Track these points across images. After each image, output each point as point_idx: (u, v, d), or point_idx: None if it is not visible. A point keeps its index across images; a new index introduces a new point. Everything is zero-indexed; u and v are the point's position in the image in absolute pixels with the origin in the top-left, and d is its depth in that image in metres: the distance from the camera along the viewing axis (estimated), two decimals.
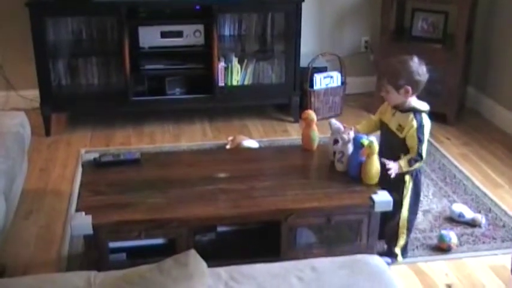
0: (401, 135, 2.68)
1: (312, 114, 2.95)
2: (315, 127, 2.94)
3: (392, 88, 2.66)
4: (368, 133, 2.79)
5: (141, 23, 4.00)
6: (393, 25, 4.47)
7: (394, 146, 2.71)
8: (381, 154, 2.64)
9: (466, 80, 4.52)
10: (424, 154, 2.66)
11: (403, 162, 2.65)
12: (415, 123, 2.64)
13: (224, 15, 4.20)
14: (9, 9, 4.16)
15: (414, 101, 2.69)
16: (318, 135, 2.96)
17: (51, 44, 4.02)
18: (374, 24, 4.56)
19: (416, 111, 2.67)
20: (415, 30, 4.37)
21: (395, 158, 2.66)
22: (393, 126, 2.71)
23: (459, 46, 4.14)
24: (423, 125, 2.65)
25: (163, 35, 4.00)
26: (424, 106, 2.71)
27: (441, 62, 4.23)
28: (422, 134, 2.65)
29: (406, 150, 2.68)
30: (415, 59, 2.67)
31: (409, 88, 2.64)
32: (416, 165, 2.68)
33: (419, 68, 2.65)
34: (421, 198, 3.08)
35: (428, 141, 3.97)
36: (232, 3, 4.08)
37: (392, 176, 2.63)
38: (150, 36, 3.99)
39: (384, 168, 2.63)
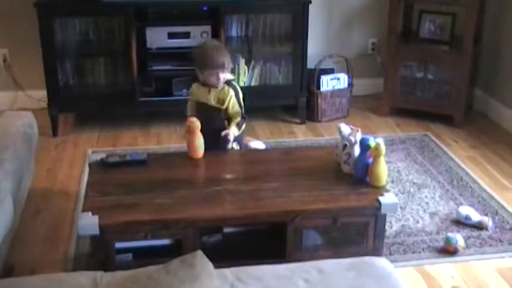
0: (223, 107, 3.03)
1: (195, 121, 2.86)
2: (199, 134, 2.87)
3: (223, 70, 2.99)
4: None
5: (148, 23, 4.01)
6: (400, 27, 4.47)
7: (216, 119, 3.03)
8: (203, 131, 2.87)
9: (474, 82, 4.50)
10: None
11: (234, 128, 3.01)
12: (232, 92, 3.03)
13: (231, 17, 4.20)
14: (17, 10, 4.18)
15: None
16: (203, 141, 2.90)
17: (59, 45, 4.04)
18: (381, 26, 4.55)
19: (227, 83, 3.05)
20: (422, 32, 4.37)
21: (219, 130, 2.97)
22: (213, 101, 3.04)
23: (467, 48, 4.13)
24: (238, 91, 3.07)
25: (171, 35, 4.01)
26: (231, 76, 3.11)
27: (449, 64, 4.23)
28: (240, 98, 3.06)
29: (229, 119, 3.04)
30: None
31: (231, 67, 3.10)
32: (244, 126, 3.07)
33: None
34: (424, 199, 3.10)
35: (435, 143, 4.00)
36: (240, 5, 4.09)
37: (231, 144, 3.00)
38: (157, 37, 4.00)
39: (224, 140, 2.97)
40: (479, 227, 3.08)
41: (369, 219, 2.59)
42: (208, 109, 3.05)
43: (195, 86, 3.12)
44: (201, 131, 2.87)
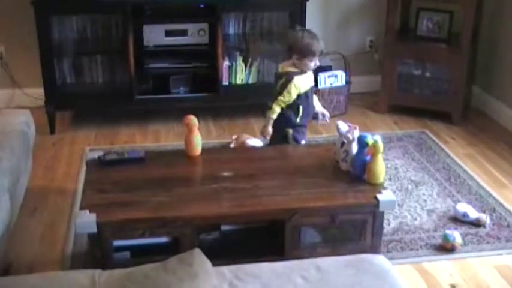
0: None
1: (193, 119, 2.87)
2: (197, 132, 2.88)
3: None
4: None
5: (146, 21, 4.00)
6: (398, 24, 4.46)
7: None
8: (306, 116, 3.25)
9: (472, 79, 4.50)
10: None
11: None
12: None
13: (229, 14, 4.20)
14: (14, 7, 4.17)
15: None
16: (201, 139, 2.90)
17: (56, 42, 4.03)
18: (379, 23, 4.55)
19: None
20: (420, 29, 4.37)
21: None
22: (312, 82, 3.27)
23: (464, 45, 4.13)
24: None
25: (168, 33, 4.00)
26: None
27: (446, 62, 4.23)
28: None
29: None
30: None
31: None
32: None
33: None
34: (422, 197, 3.11)
35: (433, 141, 4.00)
36: (237, 2, 4.08)
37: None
38: (154, 35, 4.00)
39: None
40: (476, 224, 3.08)
41: (366, 216, 2.59)
42: (311, 93, 3.25)
43: (298, 79, 3.16)
44: (310, 113, 3.26)
